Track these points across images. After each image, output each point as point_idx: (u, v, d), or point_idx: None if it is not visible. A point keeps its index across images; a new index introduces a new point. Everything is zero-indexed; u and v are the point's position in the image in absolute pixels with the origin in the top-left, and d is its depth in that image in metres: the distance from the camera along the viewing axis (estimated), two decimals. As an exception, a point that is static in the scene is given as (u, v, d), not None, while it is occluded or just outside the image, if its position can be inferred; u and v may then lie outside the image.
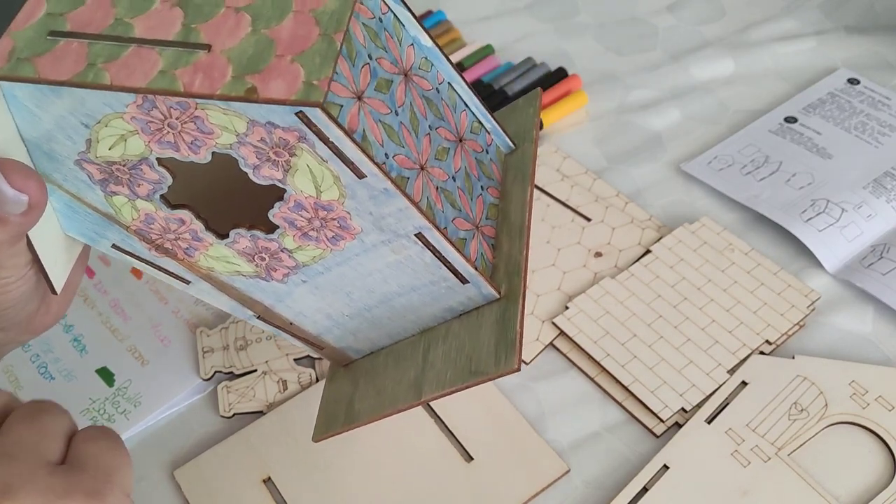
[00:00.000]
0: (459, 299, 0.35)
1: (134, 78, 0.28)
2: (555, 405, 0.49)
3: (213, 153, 0.30)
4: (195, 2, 0.30)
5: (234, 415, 0.50)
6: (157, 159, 0.31)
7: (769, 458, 0.44)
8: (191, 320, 0.55)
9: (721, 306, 0.51)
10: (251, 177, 0.30)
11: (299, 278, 0.35)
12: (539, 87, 0.43)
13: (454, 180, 0.35)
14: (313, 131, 0.28)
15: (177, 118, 0.29)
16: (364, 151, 0.29)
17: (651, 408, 0.47)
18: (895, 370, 0.47)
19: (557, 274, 0.55)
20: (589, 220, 0.58)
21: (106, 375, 0.53)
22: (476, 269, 0.34)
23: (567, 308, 0.53)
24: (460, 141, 0.36)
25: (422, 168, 0.33)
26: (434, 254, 0.33)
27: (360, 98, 0.30)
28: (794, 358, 0.48)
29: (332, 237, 0.32)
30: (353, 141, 0.28)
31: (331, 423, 0.38)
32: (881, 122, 0.62)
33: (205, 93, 0.27)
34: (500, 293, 0.35)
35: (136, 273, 0.58)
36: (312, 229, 0.32)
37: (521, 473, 0.46)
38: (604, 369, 0.50)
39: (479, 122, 0.39)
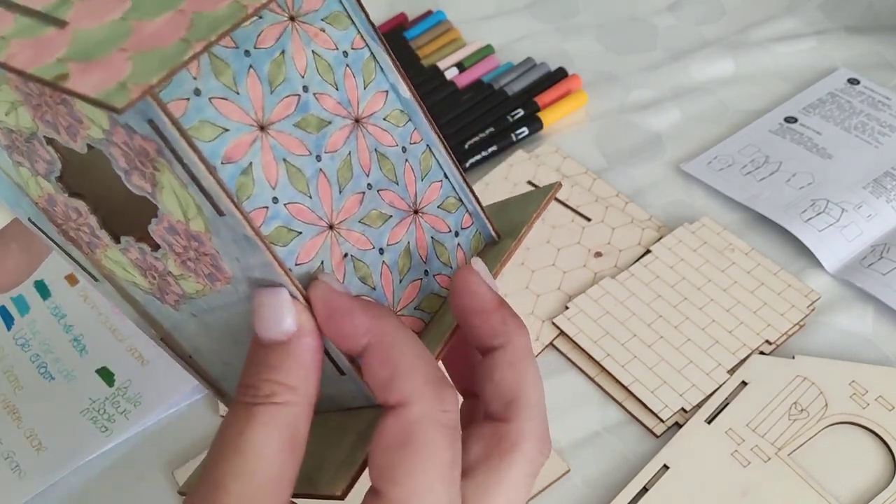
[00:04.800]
0: (340, 390, 0.29)
1: None
2: (555, 405, 0.49)
3: (88, 145, 0.26)
4: None
5: (234, 415, 0.50)
6: (45, 138, 0.28)
7: (769, 458, 0.44)
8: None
9: (721, 306, 0.51)
10: (125, 182, 0.26)
11: (189, 310, 0.30)
12: (559, 182, 0.36)
13: (381, 253, 0.30)
14: (168, 148, 0.24)
15: (49, 96, 0.26)
16: (221, 185, 0.24)
17: (651, 408, 0.47)
18: (895, 370, 0.47)
19: (557, 274, 0.55)
20: (589, 220, 0.58)
21: (106, 375, 0.53)
22: (353, 361, 0.28)
23: (567, 308, 0.53)
24: (415, 213, 0.31)
25: (330, 227, 0.28)
26: None
27: (262, 128, 0.26)
28: (794, 358, 0.49)
29: (209, 274, 0.28)
30: (208, 168, 0.24)
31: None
32: (881, 122, 0.62)
33: (16, 67, 0.24)
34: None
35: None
36: (189, 259, 0.28)
37: (521, 473, 0.46)
38: (604, 369, 0.50)
39: (458, 200, 0.33)
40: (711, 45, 0.71)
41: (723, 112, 0.65)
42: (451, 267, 0.32)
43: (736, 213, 0.58)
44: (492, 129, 0.64)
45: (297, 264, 0.27)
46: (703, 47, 0.71)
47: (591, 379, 0.50)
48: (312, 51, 0.28)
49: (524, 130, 0.64)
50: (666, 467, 0.45)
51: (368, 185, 0.29)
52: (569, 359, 0.51)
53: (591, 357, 0.50)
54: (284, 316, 0.26)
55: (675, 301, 0.52)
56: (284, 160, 0.27)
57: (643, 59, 0.71)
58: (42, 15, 0.25)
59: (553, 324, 0.52)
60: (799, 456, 0.45)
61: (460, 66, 0.70)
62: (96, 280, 0.32)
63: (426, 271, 0.31)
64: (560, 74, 0.68)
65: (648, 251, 0.55)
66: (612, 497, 0.44)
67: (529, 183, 0.61)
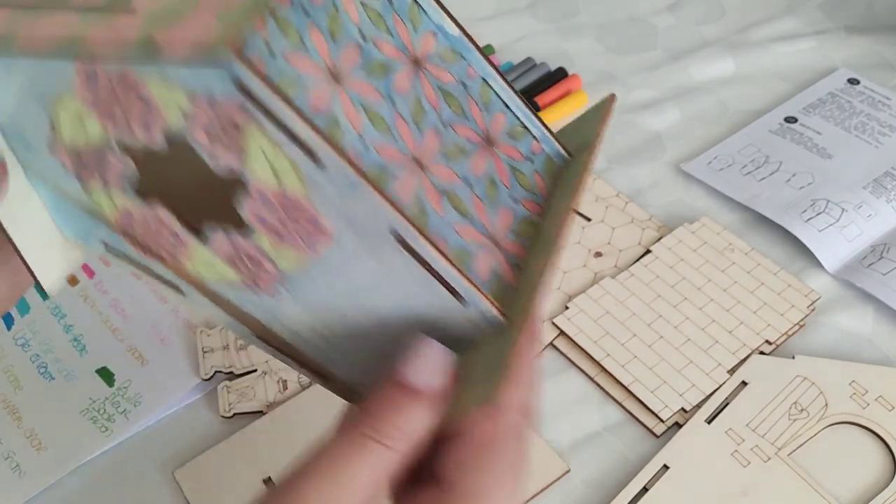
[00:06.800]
0: (461, 325, 0.29)
1: (42, 34, 0.26)
2: (555, 405, 0.49)
3: (165, 136, 0.27)
4: None
5: (234, 415, 0.50)
6: (119, 144, 0.28)
7: (769, 458, 0.44)
8: (190, 320, 0.55)
9: (721, 306, 0.51)
10: (212, 165, 0.27)
11: (286, 290, 0.30)
12: (613, 94, 0.37)
13: (468, 185, 0.30)
14: (255, 107, 0.24)
15: (121, 91, 0.26)
16: (317, 131, 0.25)
17: (651, 408, 0.47)
18: (895, 370, 0.47)
19: (557, 274, 0.55)
20: (589, 220, 0.58)
21: (106, 375, 0.53)
22: (470, 281, 0.28)
23: (567, 308, 0.53)
24: (489, 143, 0.32)
25: (419, 165, 0.29)
26: (419, 262, 0.28)
27: (335, 78, 0.27)
28: (794, 358, 0.49)
29: (308, 239, 0.28)
30: (302, 117, 0.25)
31: None
32: (881, 122, 0.62)
33: (101, 40, 0.24)
34: (503, 315, 0.29)
35: (136, 273, 0.58)
36: (285, 228, 0.28)
37: (521, 473, 0.46)
38: (604, 369, 0.50)
39: (524, 127, 0.33)
40: (711, 45, 0.71)
41: (723, 112, 0.65)
42: (535, 193, 0.33)
43: (736, 213, 0.58)
44: (492, 129, 0.64)
45: None
46: (703, 47, 0.71)
47: (591, 379, 0.50)
48: (360, 2, 0.29)
49: (524, 130, 0.64)
50: (666, 467, 0.45)
51: (441, 121, 0.30)
52: (569, 359, 0.51)
53: (591, 357, 0.50)
54: (438, 375, 0.27)
55: (675, 301, 0.52)
56: (363, 106, 0.27)
57: (643, 59, 0.71)
58: (104, 8, 0.26)
59: (553, 324, 0.52)
60: (799, 456, 0.45)
61: (460, 66, 0.70)
62: (184, 294, 0.32)
63: (514, 198, 0.32)
64: (560, 74, 0.68)
65: (648, 251, 0.55)
66: (612, 497, 0.44)
67: (529, 183, 0.61)
